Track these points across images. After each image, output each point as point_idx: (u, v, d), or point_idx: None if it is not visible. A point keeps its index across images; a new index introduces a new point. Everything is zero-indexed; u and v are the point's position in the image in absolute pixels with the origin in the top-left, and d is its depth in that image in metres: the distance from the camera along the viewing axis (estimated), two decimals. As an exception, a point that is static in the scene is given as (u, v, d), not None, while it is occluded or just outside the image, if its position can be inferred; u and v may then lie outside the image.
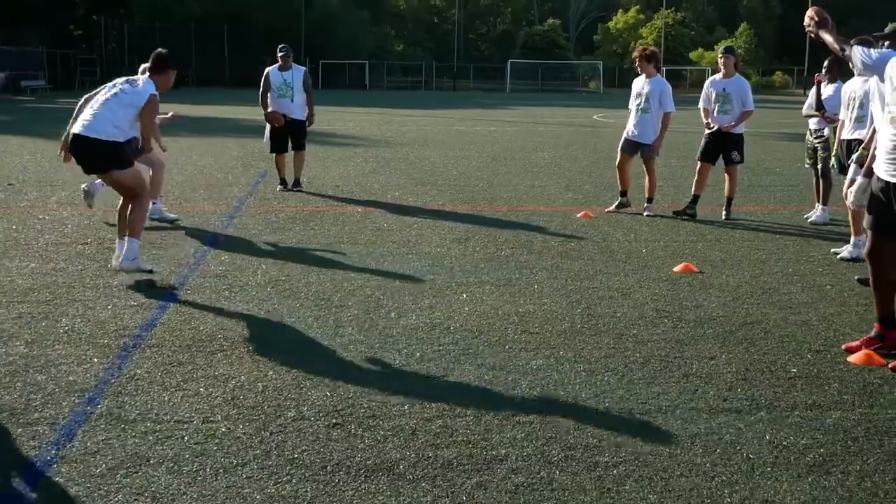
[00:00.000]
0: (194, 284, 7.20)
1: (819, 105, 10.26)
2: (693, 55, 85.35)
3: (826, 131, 10.33)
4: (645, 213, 10.92)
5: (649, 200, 11.07)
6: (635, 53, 11.30)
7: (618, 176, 11.20)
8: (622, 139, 11.21)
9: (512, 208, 11.52)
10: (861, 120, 8.48)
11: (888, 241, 5.55)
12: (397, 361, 5.41)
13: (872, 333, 5.74)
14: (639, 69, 11.11)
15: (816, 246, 9.21)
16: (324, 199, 12.11)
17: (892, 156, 5.44)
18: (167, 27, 69.41)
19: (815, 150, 10.66)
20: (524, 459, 4.06)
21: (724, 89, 10.73)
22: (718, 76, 10.89)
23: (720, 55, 11.03)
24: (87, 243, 8.77)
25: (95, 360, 5.34)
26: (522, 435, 4.34)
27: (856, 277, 7.59)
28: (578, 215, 10.86)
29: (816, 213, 10.73)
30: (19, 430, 4.30)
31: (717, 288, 7.36)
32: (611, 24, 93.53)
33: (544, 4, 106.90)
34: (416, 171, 15.55)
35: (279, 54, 12.81)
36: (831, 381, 5.19)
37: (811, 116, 10.60)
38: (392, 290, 7.10)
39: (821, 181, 10.61)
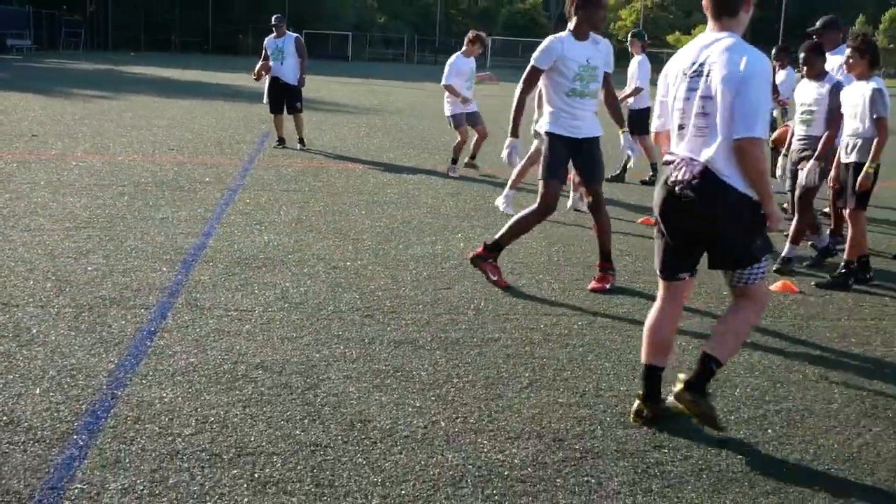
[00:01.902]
0: (228, 220, 8.45)
1: (774, 89, 11.58)
2: (671, 38, 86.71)
3: (776, 112, 11.66)
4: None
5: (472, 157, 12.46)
6: None
7: None
8: None
9: (497, 171, 12.79)
10: None
11: None
12: (409, 278, 6.70)
13: None
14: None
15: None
16: (326, 158, 13.34)
17: None
18: (151, -9, 69.86)
19: None
20: (513, 340, 5.39)
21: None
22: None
23: (629, 38, 12.38)
24: (124, 185, 9.97)
25: (165, 269, 6.60)
26: (511, 326, 5.67)
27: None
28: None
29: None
30: (123, 311, 5.57)
31: (672, 236, 8.69)
32: None
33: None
34: (406, 137, 16.80)
35: (273, 24, 14.12)
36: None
37: None
38: (398, 229, 8.39)
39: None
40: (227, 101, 23.29)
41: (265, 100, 14.42)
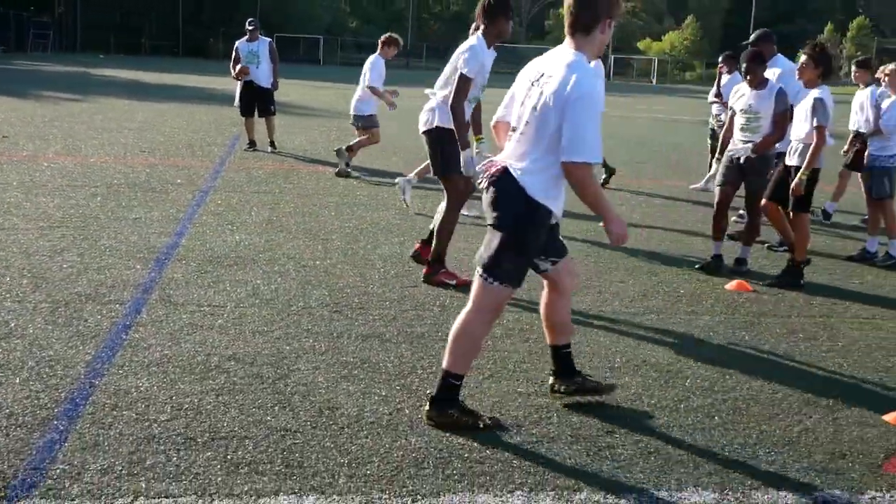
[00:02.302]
0: (200, 220, 8.61)
1: (718, 92, 11.97)
2: (641, 45, 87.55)
3: (723, 116, 11.98)
4: None
5: None
6: None
7: None
8: None
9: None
10: None
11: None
12: (377, 276, 6.92)
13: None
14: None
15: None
16: (296, 160, 13.53)
17: None
18: (121, -6, 69.67)
19: (714, 131, 12.35)
20: (476, 334, 5.61)
21: None
22: None
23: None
24: (97, 186, 10.10)
25: (138, 266, 6.77)
26: (475, 321, 5.88)
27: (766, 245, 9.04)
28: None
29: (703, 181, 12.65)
30: (98, 307, 5.74)
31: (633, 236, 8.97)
32: (562, 10, 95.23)
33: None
34: (376, 141, 16.97)
35: (248, 28, 14.41)
36: (709, 298, 6.83)
37: (714, 103, 12.30)
38: (367, 230, 8.60)
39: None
40: (197, 104, 23.38)
41: (236, 103, 14.66)
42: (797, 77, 7.58)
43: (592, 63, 4.22)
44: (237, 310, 5.85)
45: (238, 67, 14.32)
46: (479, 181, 4.30)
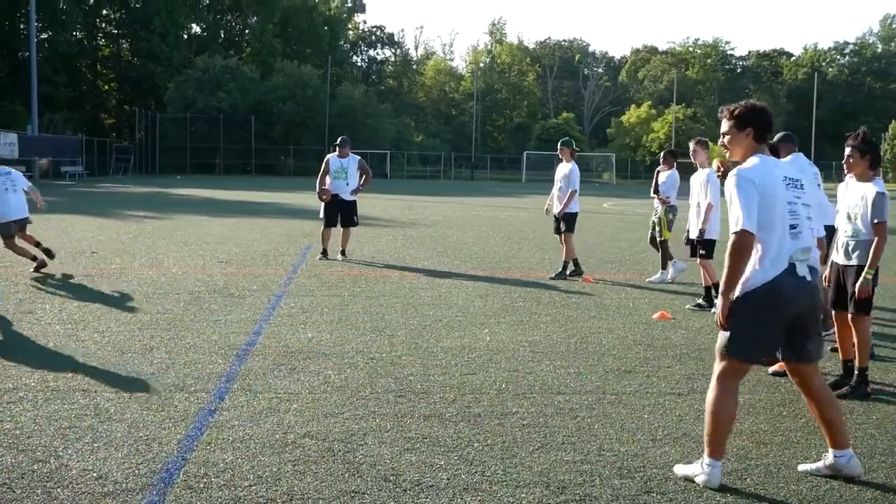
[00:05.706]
0: (275, 321, 9.28)
1: (656, 189, 12.63)
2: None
3: (661, 210, 12.69)
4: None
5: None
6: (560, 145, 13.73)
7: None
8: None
9: (525, 274, 13.63)
10: None
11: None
12: (439, 366, 7.45)
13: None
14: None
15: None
16: (364, 266, 14.25)
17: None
18: (197, 118, 72.93)
19: (653, 223, 13.03)
20: (529, 414, 6.09)
21: (562, 174, 13.41)
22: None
23: (558, 147, 13.58)
24: (179, 294, 10.88)
25: (220, 361, 7.41)
26: (528, 402, 6.37)
27: None
28: (580, 280, 12.96)
29: (656, 275, 13.20)
30: (187, 395, 6.36)
31: (685, 328, 9.39)
32: (623, 118, 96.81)
33: (559, 99, 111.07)
34: (440, 247, 17.73)
35: (338, 144, 15.27)
36: (751, 380, 7.21)
37: (653, 198, 12.95)
38: (430, 326, 9.17)
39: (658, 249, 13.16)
40: (270, 217, 24.49)
41: (321, 214, 15.43)
42: (845, 171, 7.25)
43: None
44: (311, 396, 6.43)
45: (323, 189, 15.08)
46: None
